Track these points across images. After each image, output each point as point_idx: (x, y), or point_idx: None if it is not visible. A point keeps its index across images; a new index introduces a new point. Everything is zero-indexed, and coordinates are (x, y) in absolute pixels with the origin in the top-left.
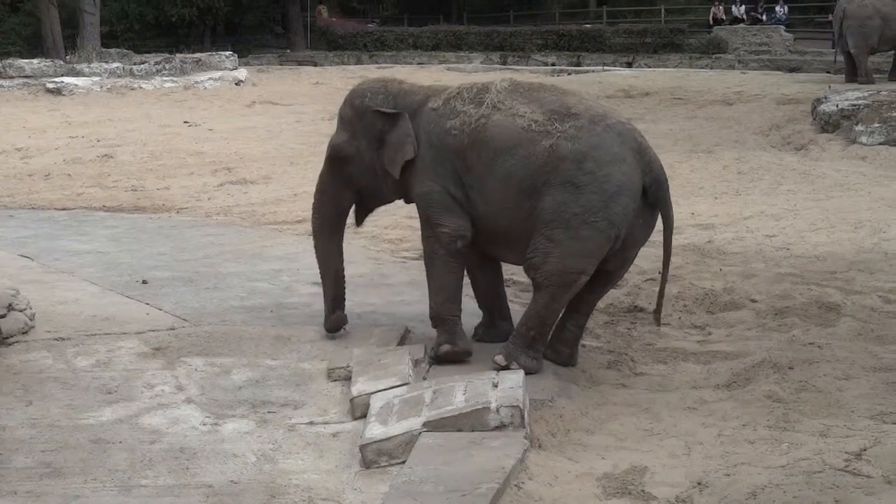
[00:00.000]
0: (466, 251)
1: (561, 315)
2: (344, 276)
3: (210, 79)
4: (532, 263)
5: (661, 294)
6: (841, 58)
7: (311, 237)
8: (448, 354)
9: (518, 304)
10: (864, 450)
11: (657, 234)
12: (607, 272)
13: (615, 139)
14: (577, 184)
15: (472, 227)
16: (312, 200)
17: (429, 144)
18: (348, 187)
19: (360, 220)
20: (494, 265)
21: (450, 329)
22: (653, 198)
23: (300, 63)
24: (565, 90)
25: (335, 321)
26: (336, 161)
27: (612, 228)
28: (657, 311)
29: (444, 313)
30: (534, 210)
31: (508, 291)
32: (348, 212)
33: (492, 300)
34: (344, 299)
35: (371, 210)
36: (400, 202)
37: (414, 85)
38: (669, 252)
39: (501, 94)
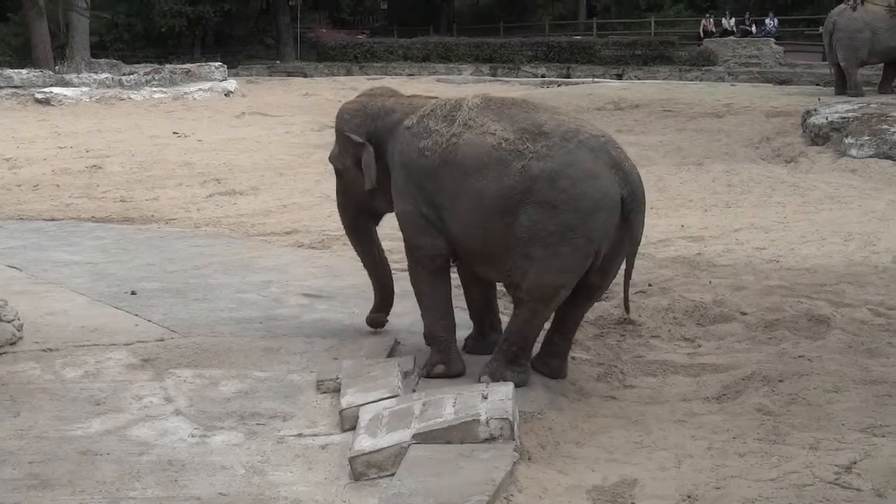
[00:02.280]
0: (448, 267)
1: (548, 328)
2: (387, 269)
3: (199, 90)
4: (512, 281)
5: (626, 288)
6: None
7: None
8: (441, 376)
9: (508, 316)
10: (855, 463)
11: (647, 247)
12: (590, 286)
13: (588, 155)
14: (553, 203)
15: (449, 245)
16: None
17: (402, 165)
18: (349, 198)
19: (377, 220)
20: (486, 279)
21: (443, 349)
22: (626, 210)
23: (290, 74)
24: (537, 105)
25: (373, 320)
26: (336, 172)
27: (590, 245)
28: (626, 299)
29: (436, 331)
30: (509, 228)
31: (501, 304)
32: (365, 214)
33: (483, 313)
34: (391, 292)
35: (376, 216)
36: None
37: (396, 101)
38: (632, 265)
39: (473, 112)
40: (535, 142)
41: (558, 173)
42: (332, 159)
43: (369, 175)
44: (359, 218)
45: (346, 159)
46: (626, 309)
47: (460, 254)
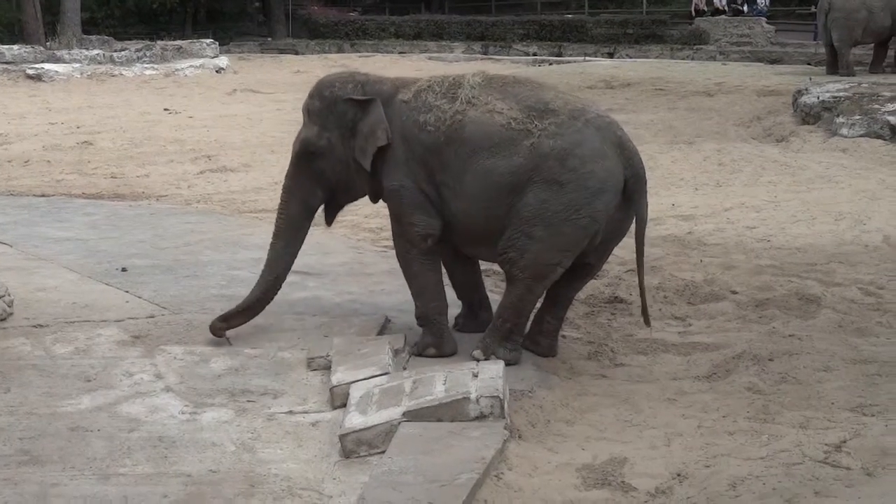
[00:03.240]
0: (437, 248)
1: (540, 307)
2: (278, 288)
3: (191, 66)
4: (508, 258)
5: (642, 292)
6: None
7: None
8: (433, 357)
9: (498, 295)
10: (844, 442)
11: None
12: (586, 265)
13: (596, 135)
14: (561, 181)
15: (443, 226)
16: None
17: (401, 138)
18: (319, 184)
19: (329, 220)
20: (470, 258)
21: (436, 331)
22: (630, 191)
23: (281, 51)
24: (540, 84)
25: (218, 328)
26: (305, 157)
27: (593, 224)
28: (644, 311)
29: (430, 314)
30: (512, 207)
31: (488, 282)
32: (316, 212)
33: (470, 292)
34: (259, 310)
35: (342, 207)
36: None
37: (381, 76)
38: (642, 249)
39: (475, 90)
40: (542, 119)
41: (568, 152)
42: (307, 139)
43: (377, 133)
44: (307, 217)
45: (333, 132)
46: (646, 321)
47: (454, 234)
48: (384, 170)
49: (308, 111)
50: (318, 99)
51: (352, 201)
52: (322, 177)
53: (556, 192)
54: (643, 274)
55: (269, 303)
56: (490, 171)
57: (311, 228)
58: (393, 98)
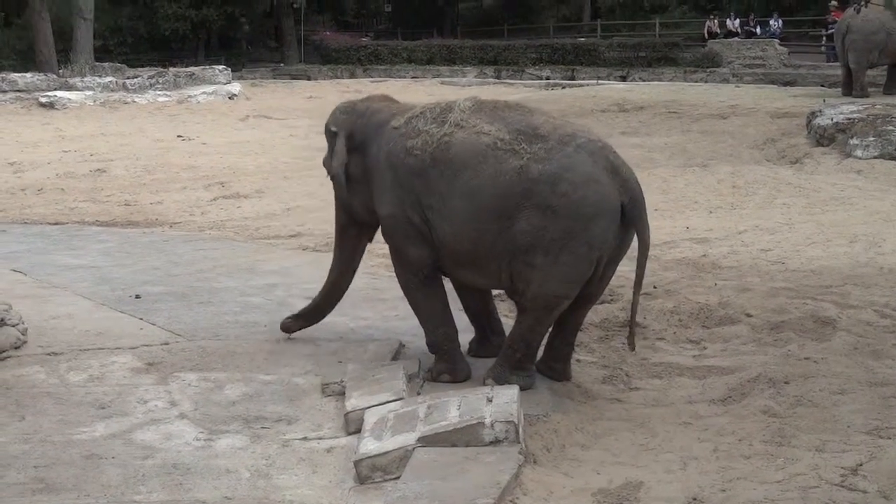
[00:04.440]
0: (439, 274)
1: (549, 333)
2: (339, 295)
3: (203, 93)
4: (515, 289)
5: (632, 317)
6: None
7: None
8: (447, 382)
9: (512, 319)
10: (861, 465)
11: (652, 249)
12: (587, 294)
13: (587, 159)
14: (553, 207)
15: (434, 253)
16: None
17: (388, 165)
18: (339, 204)
19: (371, 236)
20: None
21: (448, 357)
22: (629, 217)
23: (294, 77)
24: (531, 109)
25: (287, 325)
26: (329, 177)
27: (592, 252)
28: (630, 336)
29: (440, 341)
30: (504, 233)
31: (502, 307)
32: (350, 229)
33: (482, 317)
34: (320, 317)
35: (369, 226)
36: None
37: (386, 104)
38: (643, 275)
39: (465, 113)
40: (531, 143)
41: (558, 177)
42: (324, 163)
43: (338, 159)
44: (348, 227)
45: (331, 159)
46: (631, 345)
47: (443, 259)
48: (375, 197)
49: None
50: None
51: (368, 227)
52: (337, 194)
53: (550, 218)
54: (638, 299)
55: (331, 307)
56: (475, 192)
57: (323, 254)
58: (385, 125)
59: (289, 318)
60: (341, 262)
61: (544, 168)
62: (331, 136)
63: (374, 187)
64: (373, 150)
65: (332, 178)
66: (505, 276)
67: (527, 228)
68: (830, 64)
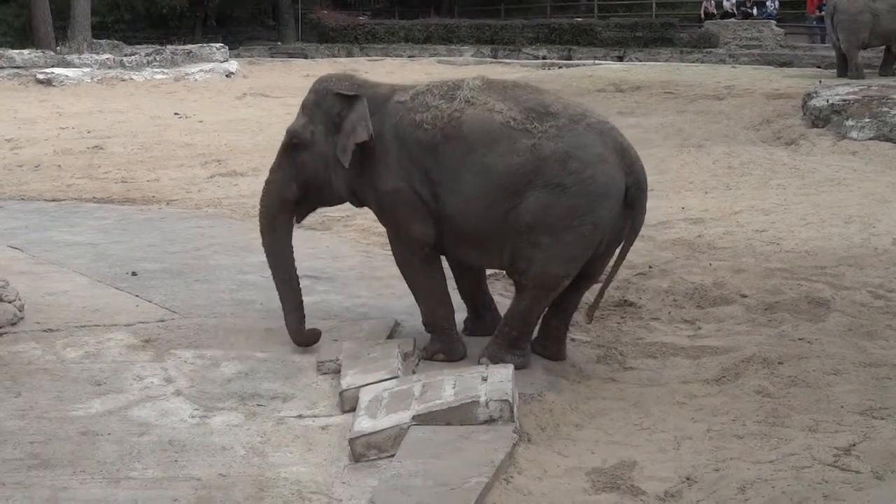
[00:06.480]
0: (437, 252)
1: (546, 312)
2: (298, 279)
3: (201, 70)
4: (517, 268)
5: (601, 292)
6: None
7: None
8: (442, 362)
9: (507, 299)
10: (854, 445)
11: (647, 229)
12: (588, 273)
13: (597, 139)
14: (563, 185)
15: (436, 230)
16: None
17: (395, 138)
18: (295, 178)
19: (299, 218)
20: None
21: (445, 338)
22: (631, 199)
23: (291, 55)
24: (540, 88)
25: (309, 336)
26: (289, 148)
27: (596, 232)
28: (591, 308)
29: (437, 320)
30: (512, 211)
31: (497, 286)
32: (291, 206)
33: (475, 295)
34: (303, 306)
35: (314, 208)
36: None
37: (379, 81)
38: (625, 255)
39: (475, 91)
40: (542, 122)
41: (569, 154)
42: (293, 130)
43: (365, 126)
44: (288, 207)
45: (318, 125)
46: (589, 316)
47: (445, 235)
48: (377, 172)
49: (302, 105)
50: (313, 92)
51: (323, 206)
52: (301, 170)
53: (558, 196)
54: (612, 278)
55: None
56: (488, 169)
57: (318, 233)
58: (388, 100)
59: (296, 327)
60: (287, 248)
61: (556, 146)
62: (340, 101)
63: (375, 161)
64: (375, 123)
65: (339, 154)
66: (507, 254)
67: (534, 206)
68: (823, 45)
